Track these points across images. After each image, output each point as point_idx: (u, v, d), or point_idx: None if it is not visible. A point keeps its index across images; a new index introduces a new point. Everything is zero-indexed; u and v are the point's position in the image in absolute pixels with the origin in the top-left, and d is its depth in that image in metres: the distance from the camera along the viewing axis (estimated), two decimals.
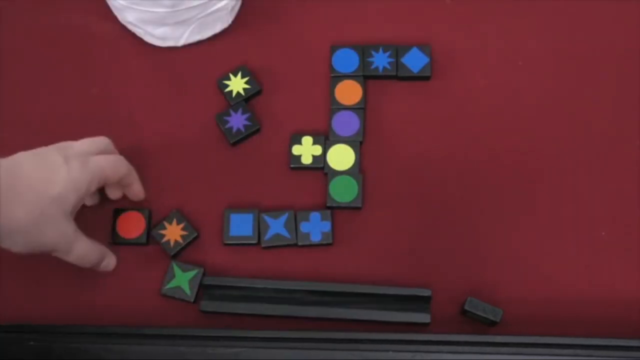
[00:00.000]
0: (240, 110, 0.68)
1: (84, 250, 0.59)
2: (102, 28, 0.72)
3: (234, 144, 0.68)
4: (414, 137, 0.68)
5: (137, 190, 0.65)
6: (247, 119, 0.68)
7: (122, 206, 0.66)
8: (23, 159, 0.56)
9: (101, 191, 0.65)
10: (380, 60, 0.70)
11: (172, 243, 0.64)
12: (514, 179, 0.66)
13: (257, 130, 0.68)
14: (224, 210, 0.65)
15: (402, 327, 0.61)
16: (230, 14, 0.71)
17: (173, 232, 0.64)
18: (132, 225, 0.65)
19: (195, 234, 0.64)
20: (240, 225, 0.64)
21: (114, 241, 0.64)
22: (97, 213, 0.66)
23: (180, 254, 0.64)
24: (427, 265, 0.63)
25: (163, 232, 0.64)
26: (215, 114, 0.68)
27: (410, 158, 0.67)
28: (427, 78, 0.69)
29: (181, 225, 0.64)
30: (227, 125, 0.68)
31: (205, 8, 0.68)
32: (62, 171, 0.56)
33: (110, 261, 0.63)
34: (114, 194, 0.65)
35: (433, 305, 0.61)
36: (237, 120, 0.68)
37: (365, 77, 0.69)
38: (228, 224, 0.64)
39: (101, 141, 0.62)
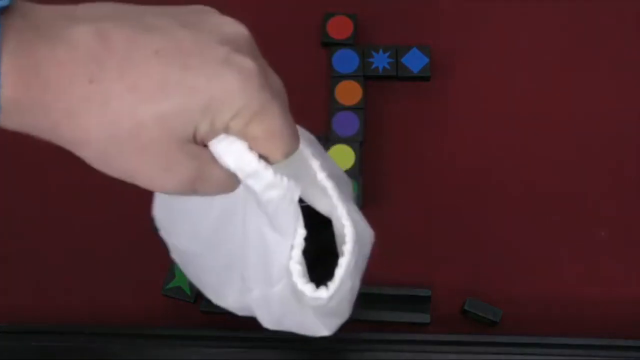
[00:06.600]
0: None
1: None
2: None
3: None
4: (414, 137, 0.68)
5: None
6: None
7: None
8: None
9: None
10: (380, 61, 0.69)
11: None
12: (513, 178, 0.66)
13: None
14: None
15: (402, 327, 0.60)
16: None
17: None
18: None
19: None
20: None
21: None
22: None
23: None
24: (427, 265, 0.63)
25: None
26: None
27: (410, 158, 0.67)
28: (427, 78, 0.69)
29: None
30: None
31: None
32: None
33: None
34: None
35: (433, 305, 0.61)
36: None
37: (365, 77, 0.69)
38: None
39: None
